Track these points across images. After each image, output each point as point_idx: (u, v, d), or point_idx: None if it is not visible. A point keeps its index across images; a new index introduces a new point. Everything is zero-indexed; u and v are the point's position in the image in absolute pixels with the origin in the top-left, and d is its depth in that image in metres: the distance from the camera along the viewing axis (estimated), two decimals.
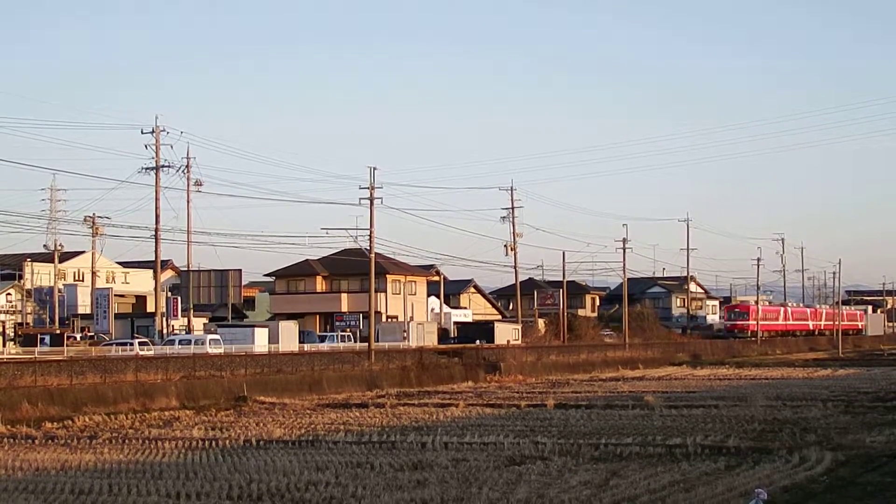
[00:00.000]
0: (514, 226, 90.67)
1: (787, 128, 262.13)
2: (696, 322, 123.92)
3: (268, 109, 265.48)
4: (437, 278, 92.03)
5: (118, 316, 78.30)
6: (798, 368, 75.30)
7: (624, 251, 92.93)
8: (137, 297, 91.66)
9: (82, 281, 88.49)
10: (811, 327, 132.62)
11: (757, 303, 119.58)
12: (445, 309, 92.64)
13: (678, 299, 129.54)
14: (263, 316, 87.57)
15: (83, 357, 50.35)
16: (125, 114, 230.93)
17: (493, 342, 76.81)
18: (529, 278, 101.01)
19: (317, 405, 42.15)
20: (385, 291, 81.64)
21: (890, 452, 26.59)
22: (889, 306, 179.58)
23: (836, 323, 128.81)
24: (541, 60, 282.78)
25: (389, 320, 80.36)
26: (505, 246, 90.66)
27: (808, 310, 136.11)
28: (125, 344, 60.59)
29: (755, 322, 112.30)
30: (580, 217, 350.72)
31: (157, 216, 65.16)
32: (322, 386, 49.34)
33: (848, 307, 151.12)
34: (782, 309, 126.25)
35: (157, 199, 65.16)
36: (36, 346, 59.91)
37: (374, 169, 61.88)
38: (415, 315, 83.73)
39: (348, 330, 75.70)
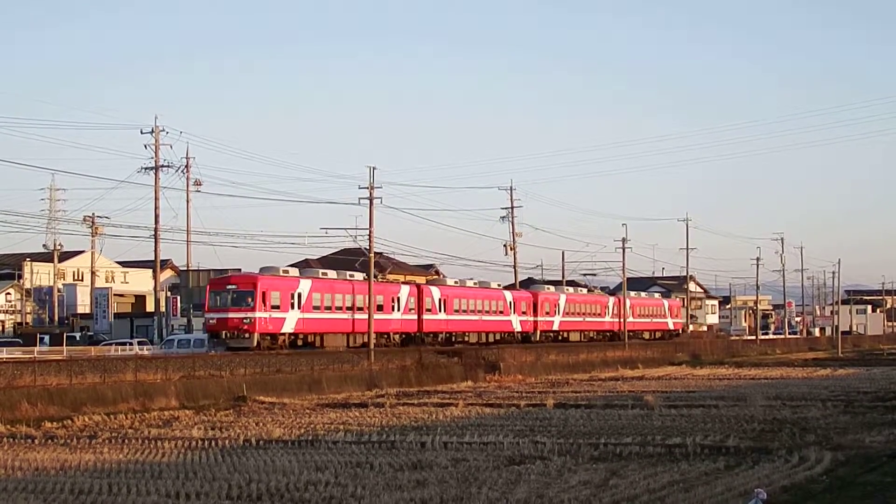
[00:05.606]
0: (513, 225, 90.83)
1: (787, 128, 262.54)
2: None
3: (268, 109, 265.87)
4: (436, 278, 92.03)
5: (118, 316, 78.42)
6: (797, 368, 75.30)
7: (623, 251, 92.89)
8: (137, 296, 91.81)
9: (82, 281, 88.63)
10: (516, 327, 77.22)
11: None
12: None
13: (678, 299, 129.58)
14: None
15: (83, 357, 50.35)
16: (125, 114, 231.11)
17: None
18: (529, 278, 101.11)
19: (316, 405, 42.14)
20: None
21: (890, 452, 26.59)
22: (889, 306, 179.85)
23: (622, 319, 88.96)
24: (541, 60, 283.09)
25: None
26: (504, 245, 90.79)
27: (512, 294, 77.80)
28: (124, 343, 60.65)
29: (269, 315, 55.60)
30: (580, 217, 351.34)
31: (156, 216, 65.23)
32: (322, 386, 49.31)
33: (634, 293, 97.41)
34: (415, 291, 67.42)
35: (156, 199, 65.23)
36: (35, 345, 59.98)
37: (374, 169, 61.83)
38: None
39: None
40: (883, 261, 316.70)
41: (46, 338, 66.30)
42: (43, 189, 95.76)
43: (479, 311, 73.03)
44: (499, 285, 79.95)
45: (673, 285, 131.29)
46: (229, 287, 56.37)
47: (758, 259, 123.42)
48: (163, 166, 65.53)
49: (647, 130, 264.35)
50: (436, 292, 68.81)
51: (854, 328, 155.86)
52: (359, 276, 63.73)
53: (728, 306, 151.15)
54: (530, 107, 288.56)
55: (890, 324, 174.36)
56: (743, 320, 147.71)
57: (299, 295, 58.02)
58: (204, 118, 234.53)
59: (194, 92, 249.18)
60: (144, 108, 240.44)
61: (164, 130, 65.19)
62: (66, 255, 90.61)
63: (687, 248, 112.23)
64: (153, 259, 68.45)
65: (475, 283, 75.16)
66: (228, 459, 25.64)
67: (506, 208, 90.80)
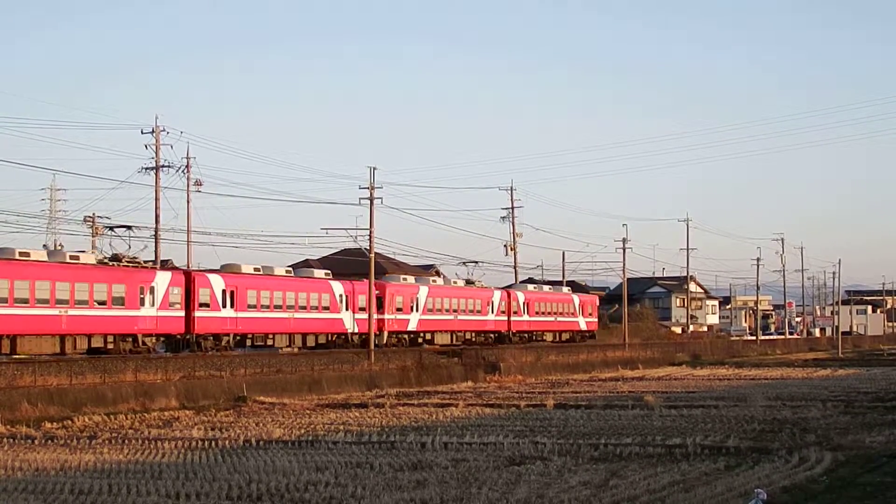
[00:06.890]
0: (513, 226, 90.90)
1: (787, 128, 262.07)
2: None
3: (268, 109, 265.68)
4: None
5: None
6: (797, 368, 75.32)
7: (624, 251, 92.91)
8: None
9: None
10: (350, 327, 61.39)
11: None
12: None
13: (678, 299, 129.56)
14: None
15: (83, 357, 50.31)
16: (125, 114, 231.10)
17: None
18: (529, 278, 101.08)
19: (316, 405, 42.15)
20: None
21: (890, 452, 26.60)
22: (889, 306, 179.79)
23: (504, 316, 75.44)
24: (541, 60, 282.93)
25: None
26: (505, 246, 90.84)
27: (343, 287, 61.60)
28: None
29: None
30: (580, 217, 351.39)
31: (157, 216, 65.17)
32: (322, 386, 49.33)
33: (534, 287, 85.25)
34: (182, 280, 52.03)
35: (157, 199, 65.18)
36: None
37: (374, 169, 61.71)
38: None
39: None
40: (883, 261, 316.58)
41: None
42: (43, 189, 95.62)
43: (291, 308, 57.19)
44: (327, 275, 63.24)
45: (673, 285, 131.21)
46: None
47: (758, 259, 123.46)
48: (163, 166, 65.49)
49: (647, 130, 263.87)
50: (217, 282, 53.34)
51: (854, 328, 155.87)
52: (88, 258, 50.48)
53: (728, 306, 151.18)
54: (530, 107, 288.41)
55: (890, 324, 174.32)
56: (743, 320, 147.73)
57: None
58: (204, 118, 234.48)
59: (194, 92, 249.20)
60: (144, 108, 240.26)
61: (164, 130, 65.18)
62: None
63: (687, 249, 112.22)
64: (154, 259, 68.41)
65: (287, 271, 59.90)
66: (228, 460, 25.65)
67: (506, 208, 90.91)
